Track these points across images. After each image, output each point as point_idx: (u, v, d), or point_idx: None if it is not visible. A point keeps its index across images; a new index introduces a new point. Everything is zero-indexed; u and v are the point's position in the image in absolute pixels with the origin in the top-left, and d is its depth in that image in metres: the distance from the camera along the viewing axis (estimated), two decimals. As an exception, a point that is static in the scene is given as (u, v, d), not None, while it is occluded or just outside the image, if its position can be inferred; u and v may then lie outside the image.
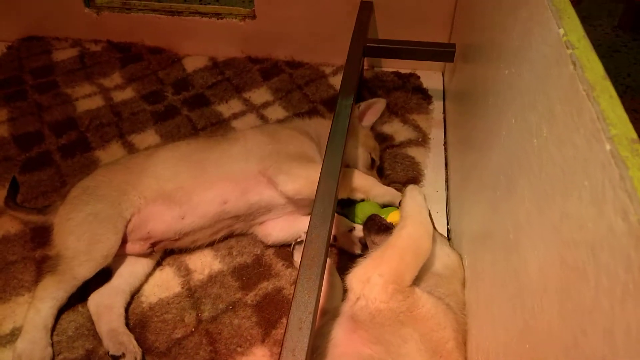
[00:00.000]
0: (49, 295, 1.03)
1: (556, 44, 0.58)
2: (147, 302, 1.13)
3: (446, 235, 1.28)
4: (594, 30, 2.22)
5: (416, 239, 0.94)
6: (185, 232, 1.16)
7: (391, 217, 1.10)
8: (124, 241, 1.13)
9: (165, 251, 1.21)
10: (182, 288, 1.15)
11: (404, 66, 1.75)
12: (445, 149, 1.52)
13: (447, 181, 1.43)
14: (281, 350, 0.71)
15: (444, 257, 0.99)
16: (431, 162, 1.47)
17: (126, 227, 1.12)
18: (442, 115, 1.63)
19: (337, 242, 1.18)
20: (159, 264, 1.20)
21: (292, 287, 1.14)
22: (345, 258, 1.18)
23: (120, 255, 1.14)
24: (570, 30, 0.57)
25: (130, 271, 1.14)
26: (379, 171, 1.39)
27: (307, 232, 0.87)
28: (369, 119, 1.44)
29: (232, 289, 1.14)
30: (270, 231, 1.20)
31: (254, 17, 1.77)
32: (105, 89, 1.71)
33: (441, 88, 1.73)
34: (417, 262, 0.92)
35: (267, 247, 1.22)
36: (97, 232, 1.07)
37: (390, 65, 1.77)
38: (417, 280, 0.93)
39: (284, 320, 1.09)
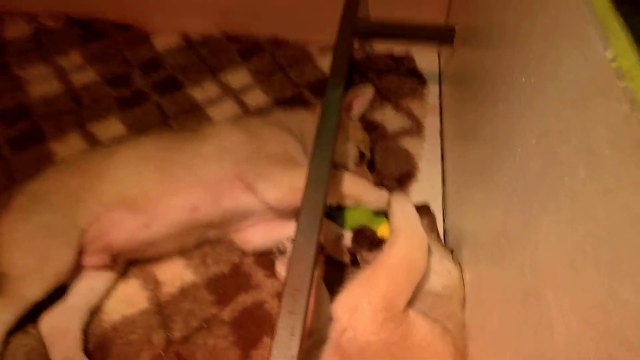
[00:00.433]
0: (-6, 320, 0.89)
1: (600, 67, 0.43)
2: (109, 320, 1.00)
3: (442, 235, 1.17)
4: None
5: (408, 256, 0.83)
6: (151, 242, 1.02)
7: (382, 229, 0.98)
8: (81, 252, 0.99)
9: (130, 262, 1.07)
10: (150, 303, 1.02)
11: (397, 44, 1.60)
12: (442, 139, 1.39)
13: (443, 175, 1.30)
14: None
15: (444, 274, 0.88)
16: (426, 154, 1.34)
17: (83, 237, 0.98)
18: (437, 101, 1.49)
19: (324, 250, 1.05)
20: (122, 275, 1.06)
21: (275, 299, 1.02)
22: (333, 266, 1.06)
23: (78, 269, 1.00)
24: (622, 54, 0.42)
25: (89, 286, 1.00)
26: (370, 165, 1.26)
27: (291, 252, 0.75)
28: (357, 108, 1.30)
29: (206, 304, 1.02)
30: (249, 238, 1.07)
31: (231, -12, 1.58)
32: (63, 70, 1.53)
33: (437, 70, 1.59)
34: (410, 283, 0.81)
35: (245, 255, 1.09)
36: (48, 246, 0.94)
37: (383, 44, 1.61)
38: (412, 299, 0.81)
39: (266, 339, 0.97)
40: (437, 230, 0.99)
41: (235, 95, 1.48)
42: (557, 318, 0.49)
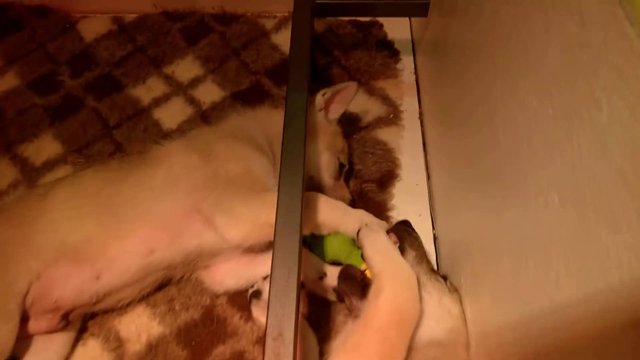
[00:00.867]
0: None
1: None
2: (71, 393, 0.89)
3: (432, 241, 1.07)
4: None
5: (398, 307, 0.73)
6: (105, 294, 0.89)
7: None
8: (25, 318, 0.85)
9: (86, 317, 0.95)
10: (115, 366, 0.91)
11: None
12: (421, 123, 1.25)
13: (427, 167, 1.18)
14: None
15: (445, 317, 0.78)
16: (407, 145, 1.21)
17: (24, 302, 0.84)
18: (413, 77, 1.33)
19: (305, 288, 0.94)
20: (79, 336, 0.94)
21: (256, 347, 0.92)
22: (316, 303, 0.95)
23: (23, 338, 0.87)
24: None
25: (41, 358, 0.88)
26: (348, 169, 1.11)
27: (270, 293, 0.64)
28: (337, 108, 1.08)
29: None
30: (219, 279, 0.95)
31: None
32: (-26, 77, 1.30)
33: (409, 37, 1.42)
34: (405, 335, 0.72)
35: (217, 295, 0.97)
36: (-20, 327, 0.79)
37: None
38: (413, 357, 0.72)
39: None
40: (427, 257, 0.87)
41: (184, 90, 1.29)
42: None
